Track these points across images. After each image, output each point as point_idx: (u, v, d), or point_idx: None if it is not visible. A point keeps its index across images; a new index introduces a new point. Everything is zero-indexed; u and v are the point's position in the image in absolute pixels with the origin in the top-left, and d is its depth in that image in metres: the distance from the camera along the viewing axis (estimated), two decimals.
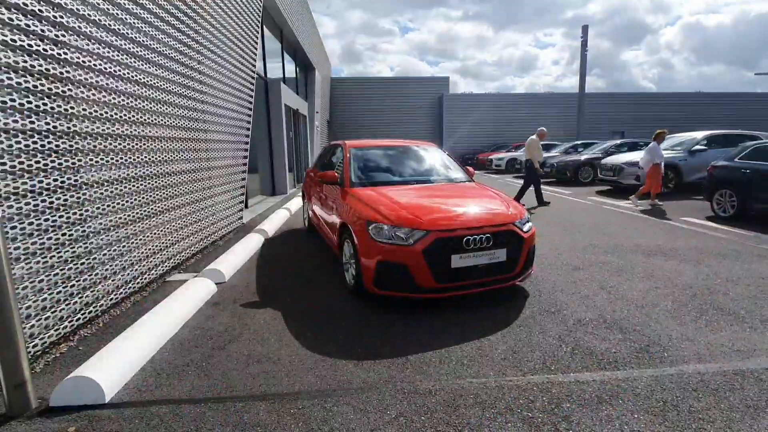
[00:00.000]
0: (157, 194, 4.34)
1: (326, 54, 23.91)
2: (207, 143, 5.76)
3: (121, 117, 3.70)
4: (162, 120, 4.45)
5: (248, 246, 5.22)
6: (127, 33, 3.84)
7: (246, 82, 7.69)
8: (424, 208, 3.54)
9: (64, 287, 2.98)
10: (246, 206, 8.12)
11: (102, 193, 3.45)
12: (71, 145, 3.10)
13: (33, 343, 2.64)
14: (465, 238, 3.24)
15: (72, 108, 3.11)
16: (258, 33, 8.43)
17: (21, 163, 2.67)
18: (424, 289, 3.24)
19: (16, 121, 2.64)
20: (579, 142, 16.40)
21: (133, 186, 3.89)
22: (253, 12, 8.17)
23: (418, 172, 4.71)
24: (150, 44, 4.26)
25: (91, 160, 3.31)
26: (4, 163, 2.55)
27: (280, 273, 4.51)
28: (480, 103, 26.85)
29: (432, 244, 3.19)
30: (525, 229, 3.59)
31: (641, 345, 2.76)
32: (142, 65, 4.09)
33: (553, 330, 3.00)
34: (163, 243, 4.38)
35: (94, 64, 3.38)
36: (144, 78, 4.11)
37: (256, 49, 8.26)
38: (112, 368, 2.42)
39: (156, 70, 4.37)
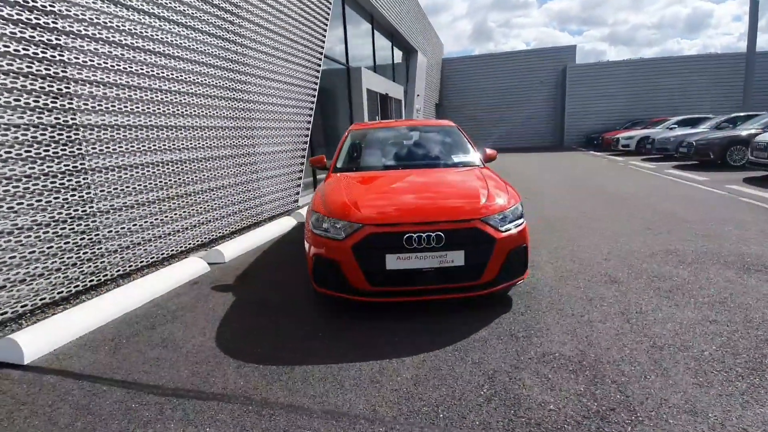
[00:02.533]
0: (199, 176, 4.88)
1: (436, 36, 23.06)
2: (251, 131, 6.06)
3: (176, 111, 4.09)
4: (208, 112, 4.83)
5: (271, 229, 5.35)
6: (174, 39, 4.19)
7: (310, 77, 7.82)
8: (376, 197, 3.04)
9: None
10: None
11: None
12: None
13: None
14: (406, 235, 2.66)
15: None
16: (325, 26, 8.45)
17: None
18: (358, 291, 2.79)
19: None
20: (740, 114, 12.49)
21: (175, 168, 4.33)
22: (321, 6, 8.22)
23: (417, 155, 4.11)
24: (200, 48, 4.59)
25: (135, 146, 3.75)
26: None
27: (281, 258, 4.50)
28: (612, 73, 22.55)
29: (363, 240, 2.71)
30: (502, 227, 2.79)
31: (609, 407, 1.87)
32: (196, 67, 4.44)
33: (494, 363, 2.26)
34: (201, 218, 4.86)
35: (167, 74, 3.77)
36: (195, 78, 4.51)
37: (323, 42, 8.31)
38: (43, 334, 2.69)
39: (206, 70, 4.74)
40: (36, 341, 2.63)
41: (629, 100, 22.27)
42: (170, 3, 4.51)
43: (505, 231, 2.80)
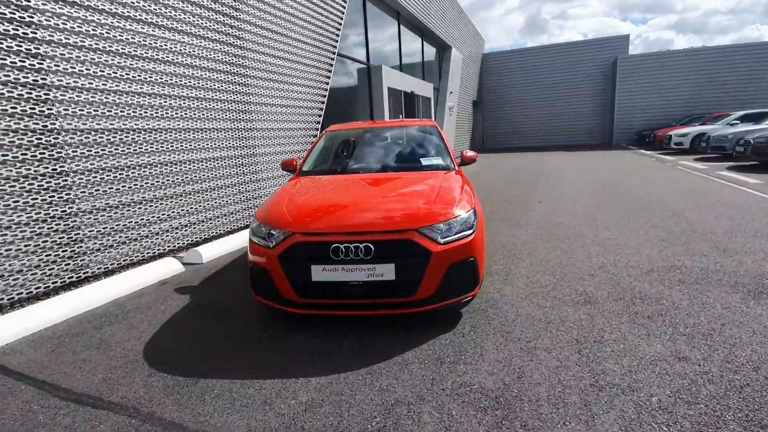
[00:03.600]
0: (199, 175, 5.08)
1: (475, 31, 22.29)
2: (250, 132, 6.12)
3: (179, 115, 4.25)
4: (208, 115, 4.94)
5: None
6: (176, 45, 4.33)
7: (320, 77, 7.79)
8: (313, 205, 2.89)
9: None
10: None
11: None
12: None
13: None
14: (333, 246, 2.48)
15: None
16: (339, 26, 8.38)
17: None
18: (288, 301, 2.66)
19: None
20: None
21: (176, 168, 4.47)
22: (335, 7, 8.16)
23: (384, 159, 3.88)
24: (202, 53, 4.72)
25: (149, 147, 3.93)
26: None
27: None
28: (669, 64, 20.45)
29: (289, 249, 2.57)
30: (443, 239, 2.53)
31: None
32: (196, 72, 4.57)
33: (400, 392, 2.03)
34: (193, 218, 5.00)
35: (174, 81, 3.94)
36: (197, 83, 4.61)
37: (335, 42, 8.25)
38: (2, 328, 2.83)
39: (202, 73, 4.85)
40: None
41: (689, 94, 20.19)
42: (158, 7, 4.63)
43: (447, 243, 2.54)
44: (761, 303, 2.75)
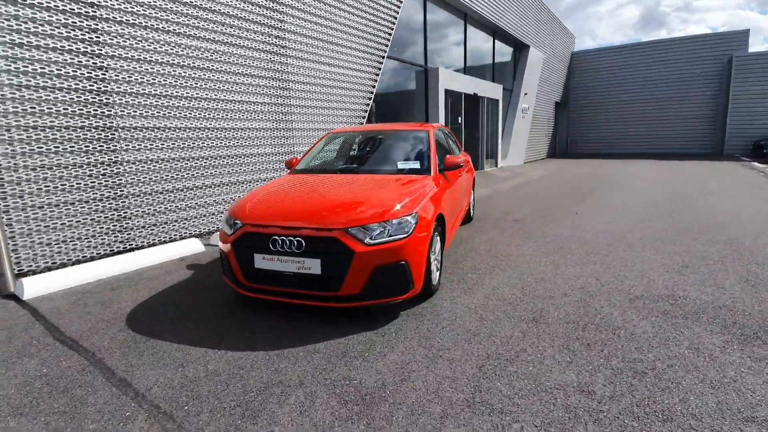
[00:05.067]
0: (235, 169, 5.68)
1: (562, 28, 20.70)
2: (292, 132, 6.64)
3: (219, 116, 4.99)
4: (248, 116, 5.60)
5: None
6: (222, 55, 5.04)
7: (366, 83, 8.08)
8: (273, 199, 3.13)
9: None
10: None
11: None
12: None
13: None
14: (272, 238, 2.72)
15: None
16: (390, 34, 8.57)
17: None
18: (240, 284, 2.96)
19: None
20: None
21: (213, 162, 5.19)
22: (387, 11, 8.36)
23: (366, 161, 4.03)
24: (244, 61, 5.38)
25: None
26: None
27: None
28: None
29: (240, 239, 2.87)
30: (370, 240, 2.61)
31: None
32: (238, 78, 5.26)
33: (261, 378, 2.19)
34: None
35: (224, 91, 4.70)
36: (238, 87, 5.31)
37: (386, 47, 8.46)
38: (44, 281, 3.60)
39: (249, 80, 5.52)
40: (37, 285, 3.56)
41: None
42: (207, 24, 5.30)
43: (375, 245, 2.61)
44: (744, 350, 2.33)
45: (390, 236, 2.67)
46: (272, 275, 2.77)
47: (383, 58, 8.49)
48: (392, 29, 8.67)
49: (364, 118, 8.19)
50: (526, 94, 16.57)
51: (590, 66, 22.68)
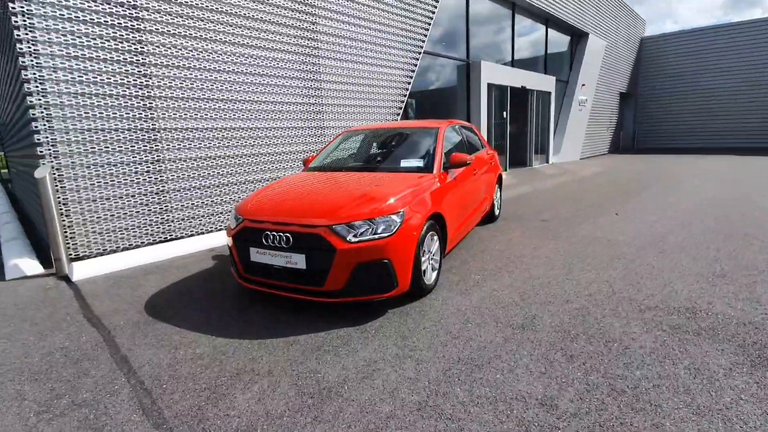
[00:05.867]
0: (268, 167, 5.99)
1: (629, 12, 18.91)
2: (324, 130, 6.83)
3: (253, 116, 5.37)
4: (281, 116, 5.91)
5: None
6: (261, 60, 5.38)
7: (400, 80, 8.04)
8: (273, 196, 3.26)
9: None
10: None
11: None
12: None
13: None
14: (264, 233, 2.84)
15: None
16: (426, 30, 8.43)
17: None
18: (241, 276, 3.13)
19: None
20: None
21: (247, 160, 5.57)
22: (422, 14, 8.23)
23: (373, 159, 4.08)
24: (278, 64, 5.68)
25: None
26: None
27: None
28: None
29: (239, 233, 3.04)
30: (353, 237, 2.63)
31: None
32: (271, 80, 5.59)
33: (237, 363, 2.29)
34: None
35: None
36: (272, 89, 5.64)
37: (420, 47, 8.34)
38: (91, 265, 4.09)
39: (282, 82, 5.80)
40: (85, 269, 4.05)
41: None
42: (242, 30, 5.60)
43: (356, 242, 2.63)
44: (753, 375, 2.03)
45: (375, 234, 2.69)
46: (265, 268, 2.91)
47: (419, 54, 8.39)
48: (429, 24, 8.53)
49: (398, 115, 8.18)
50: (583, 85, 15.45)
51: (663, 52, 20.53)
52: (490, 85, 10.67)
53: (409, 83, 8.29)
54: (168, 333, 2.74)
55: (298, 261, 2.73)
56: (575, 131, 15.79)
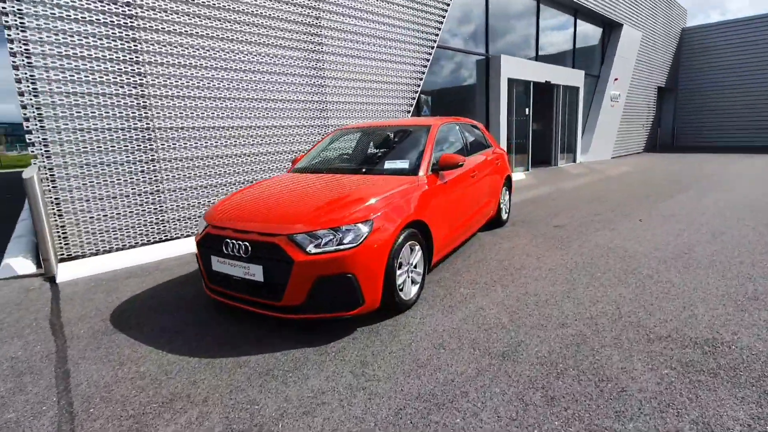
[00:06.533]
0: (267, 166, 5.80)
1: (666, 1, 17.60)
2: (326, 129, 6.59)
3: (246, 114, 5.24)
4: (281, 114, 5.74)
5: None
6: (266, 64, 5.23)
7: (412, 75, 7.68)
8: (240, 201, 3.02)
9: None
10: None
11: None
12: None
13: None
14: (224, 240, 2.62)
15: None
16: (440, 24, 8.02)
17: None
18: (206, 284, 2.92)
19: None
20: None
21: (243, 159, 5.45)
22: (436, 7, 7.83)
23: (360, 159, 3.78)
24: (280, 60, 5.51)
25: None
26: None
27: None
28: None
29: (202, 239, 2.83)
30: (312, 249, 2.36)
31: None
32: (272, 77, 5.43)
33: (183, 380, 2.05)
34: None
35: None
36: (272, 87, 5.48)
37: (434, 42, 7.95)
38: (75, 267, 4.03)
39: (284, 78, 5.64)
40: (70, 270, 3.99)
41: None
42: (242, 27, 5.43)
43: (315, 253, 2.35)
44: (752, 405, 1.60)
45: (341, 245, 2.40)
46: (225, 278, 2.69)
47: (432, 49, 8.00)
48: (443, 17, 8.12)
49: (408, 113, 7.83)
50: (616, 79, 14.49)
51: (706, 43, 19.00)
52: (510, 81, 10.12)
53: (420, 79, 7.92)
54: (121, 346, 2.57)
55: (256, 272, 2.48)
56: (606, 128, 14.86)
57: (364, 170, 3.45)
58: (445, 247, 3.45)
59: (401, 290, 2.77)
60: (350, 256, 2.37)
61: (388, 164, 3.36)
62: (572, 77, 12.49)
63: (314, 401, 1.93)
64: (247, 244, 2.52)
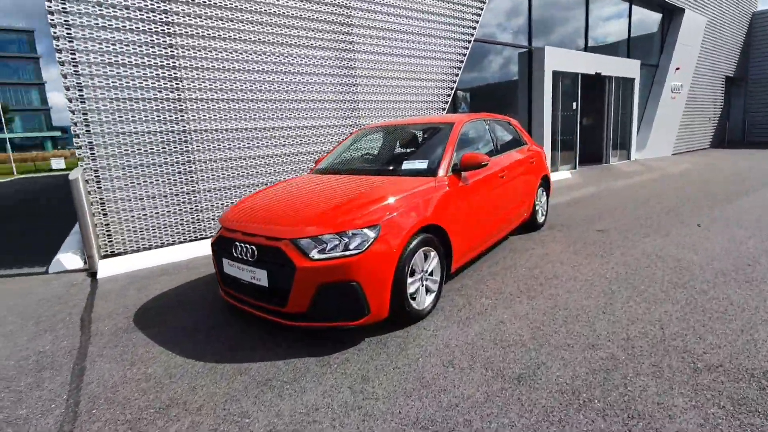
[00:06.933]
0: (299, 167, 5.83)
1: None
2: (359, 128, 6.50)
3: (282, 116, 5.34)
4: (313, 114, 5.76)
5: None
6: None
7: (447, 71, 7.39)
8: (255, 202, 2.97)
9: None
10: None
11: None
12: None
13: None
14: (234, 243, 2.57)
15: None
16: (479, 15, 7.63)
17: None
18: (221, 286, 2.91)
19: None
20: None
21: (276, 160, 5.53)
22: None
23: (380, 160, 3.60)
24: (310, 61, 5.53)
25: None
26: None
27: None
28: None
29: (216, 241, 2.81)
30: (316, 254, 2.25)
31: None
32: (303, 78, 5.48)
33: (180, 395, 2.00)
34: None
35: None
36: (303, 87, 5.52)
37: (471, 36, 7.58)
38: (115, 264, 4.23)
39: (315, 78, 5.65)
40: (111, 267, 4.20)
41: None
42: (277, 36, 5.45)
43: (318, 260, 2.23)
44: None
45: (346, 250, 2.27)
46: (235, 282, 2.65)
47: (469, 42, 7.65)
48: (481, 9, 7.73)
49: (443, 110, 7.56)
50: (678, 69, 13.19)
51: None
52: (556, 73, 9.48)
53: (456, 75, 7.61)
54: (137, 345, 2.61)
55: (261, 277, 2.42)
56: (666, 122, 13.58)
57: (383, 171, 3.29)
58: (467, 254, 3.21)
59: (414, 299, 2.60)
60: (354, 263, 2.23)
61: (407, 165, 3.18)
62: (626, 68, 11.51)
63: (306, 419, 1.82)
64: (254, 247, 2.46)
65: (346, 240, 2.30)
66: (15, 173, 25.94)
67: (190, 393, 2.07)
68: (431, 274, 2.75)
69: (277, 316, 2.44)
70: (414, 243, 2.51)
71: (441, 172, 3.01)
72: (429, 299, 2.73)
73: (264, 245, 2.41)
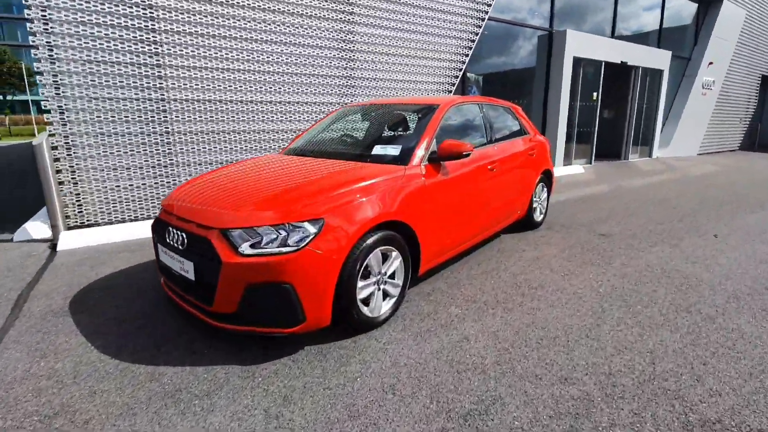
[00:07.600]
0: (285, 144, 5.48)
1: None
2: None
3: (265, 89, 4.97)
4: (298, 89, 5.36)
5: None
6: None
7: (455, 50, 6.81)
8: (204, 183, 2.62)
9: None
10: None
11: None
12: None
13: None
14: (168, 228, 2.25)
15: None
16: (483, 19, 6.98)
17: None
18: (158, 272, 2.60)
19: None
20: None
21: (261, 136, 5.19)
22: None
23: (352, 143, 3.22)
24: (306, 31, 5.10)
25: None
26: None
27: None
28: None
29: (155, 224, 2.48)
30: (246, 249, 1.90)
31: None
32: (297, 50, 5.07)
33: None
34: None
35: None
36: (290, 59, 5.13)
37: (485, 13, 6.96)
38: (75, 236, 3.98)
39: (308, 51, 5.23)
40: (72, 238, 3.96)
41: None
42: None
43: (248, 255, 1.89)
44: None
45: (283, 246, 1.92)
46: (168, 271, 2.34)
47: (483, 21, 7.04)
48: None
49: (450, 92, 7.03)
50: (711, 63, 12.19)
51: None
52: (577, 60, 8.77)
53: (466, 56, 7.03)
54: (60, 332, 2.34)
55: (189, 269, 2.09)
56: (695, 120, 12.66)
57: (353, 155, 2.89)
58: (440, 255, 2.83)
59: (367, 305, 2.25)
60: (287, 262, 1.88)
61: (378, 150, 2.75)
62: (655, 58, 10.63)
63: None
64: (185, 235, 2.13)
65: (285, 234, 1.94)
66: (36, 135, 26.28)
67: (88, 399, 1.78)
68: (392, 276, 2.39)
69: (204, 314, 2.13)
70: (369, 241, 2.14)
71: (414, 160, 2.59)
72: (387, 305, 2.38)
73: (194, 233, 2.08)
